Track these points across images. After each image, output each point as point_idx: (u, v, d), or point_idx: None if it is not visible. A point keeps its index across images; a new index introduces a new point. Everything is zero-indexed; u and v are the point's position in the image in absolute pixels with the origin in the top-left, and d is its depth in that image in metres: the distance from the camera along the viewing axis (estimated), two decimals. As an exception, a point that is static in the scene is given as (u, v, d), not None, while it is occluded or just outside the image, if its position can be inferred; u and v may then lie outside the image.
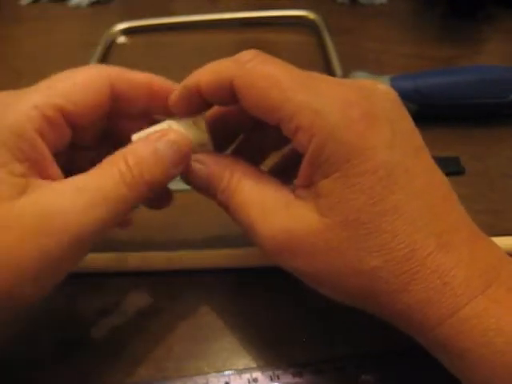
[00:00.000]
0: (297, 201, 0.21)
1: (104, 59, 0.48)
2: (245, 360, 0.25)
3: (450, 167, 0.35)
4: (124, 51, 0.50)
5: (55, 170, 0.22)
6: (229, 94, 0.22)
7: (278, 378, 0.24)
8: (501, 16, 0.52)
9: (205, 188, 0.24)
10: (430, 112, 0.37)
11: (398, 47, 0.47)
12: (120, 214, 0.21)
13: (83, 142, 0.24)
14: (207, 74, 0.22)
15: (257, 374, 0.24)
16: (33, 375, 0.25)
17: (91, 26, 0.53)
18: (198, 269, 0.29)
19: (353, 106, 0.20)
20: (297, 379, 0.24)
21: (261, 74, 0.21)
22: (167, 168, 0.22)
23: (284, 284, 0.29)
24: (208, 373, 0.25)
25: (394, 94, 0.22)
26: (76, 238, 0.20)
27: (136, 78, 0.24)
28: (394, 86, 0.37)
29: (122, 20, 0.52)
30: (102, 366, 0.25)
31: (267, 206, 0.22)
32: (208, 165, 0.23)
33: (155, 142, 0.22)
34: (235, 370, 0.25)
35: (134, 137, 0.23)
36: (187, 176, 0.24)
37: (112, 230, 0.22)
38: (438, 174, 0.21)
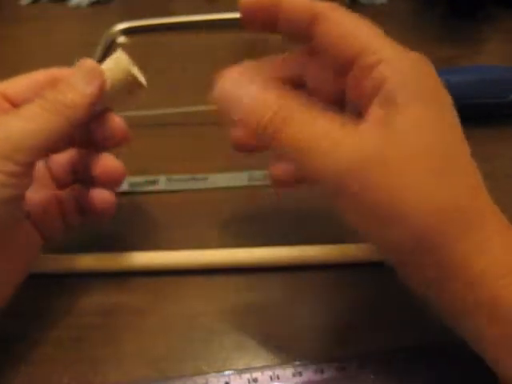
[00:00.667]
0: (367, 131, 0.20)
1: (104, 59, 0.47)
2: (245, 360, 0.25)
3: (450, 167, 0.35)
4: (124, 51, 0.50)
5: None
6: (304, 26, 0.23)
7: (278, 378, 0.24)
8: (501, 16, 0.52)
9: (244, 118, 0.21)
10: (430, 112, 0.37)
11: (398, 47, 0.47)
12: (43, 131, 0.23)
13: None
14: None
15: (257, 374, 0.24)
16: (32, 375, 0.25)
17: (91, 26, 0.53)
18: (197, 268, 0.29)
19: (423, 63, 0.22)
20: (297, 379, 0.24)
21: (352, 15, 0.22)
22: (80, 88, 0.24)
23: (284, 284, 0.29)
24: (208, 373, 0.25)
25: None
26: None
27: None
28: (394, 86, 0.38)
29: (122, 20, 0.52)
30: (101, 366, 0.25)
31: (333, 136, 0.20)
32: (251, 91, 0.21)
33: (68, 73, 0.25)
34: (235, 369, 0.25)
35: None
36: (221, 91, 0.22)
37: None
38: None
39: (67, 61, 0.50)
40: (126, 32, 0.52)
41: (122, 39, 0.51)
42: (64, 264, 0.29)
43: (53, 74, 0.26)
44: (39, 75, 0.27)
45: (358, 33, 0.22)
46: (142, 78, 0.26)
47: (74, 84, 0.24)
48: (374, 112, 0.21)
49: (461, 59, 0.46)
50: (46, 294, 0.28)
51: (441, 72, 0.39)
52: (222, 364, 0.25)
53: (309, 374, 0.24)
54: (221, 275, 0.29)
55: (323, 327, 0.27)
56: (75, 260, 0.29)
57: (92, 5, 0.57)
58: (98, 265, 0.29)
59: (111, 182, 0.27)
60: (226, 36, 0.52)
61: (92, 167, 0.27)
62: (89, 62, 0.25)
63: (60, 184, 0.28)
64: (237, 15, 0.53)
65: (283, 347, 0.26)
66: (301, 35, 0.23)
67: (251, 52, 0.53)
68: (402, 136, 0.20)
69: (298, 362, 0.25)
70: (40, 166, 0.28)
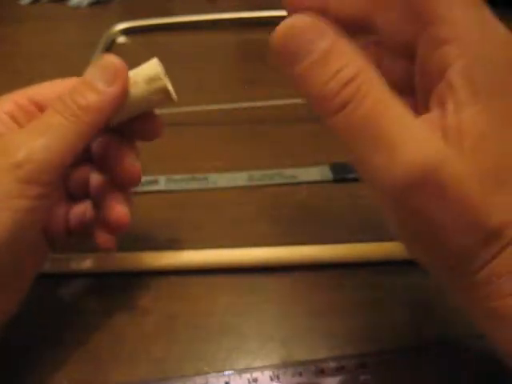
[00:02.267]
0: (437, 135, 0.17)
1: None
2: (245, 360, 0.25)
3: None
4: (124, 51, 0.50)
5: None
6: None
7: (278, 378, 0.24)
8: (501, 16, 0.52)
9: (309, 63, 0.17)
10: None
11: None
12: (64, 143, 0.21)
13: None
14: None
15: (257, 374, 0.24)
16: (31, 375, 0.25)
17: (91, 26, 0.53)
18: (197, 268, 0.29)
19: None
20: (297, 379, 0.24)
21: None
22: (100, 87, 0.22)
23: (284, 284, 0.29)
24: (208, 373, 0.25)
25: None
26: (13, 163, 0.20)
27: None
28: (393, 86, 0.38)
29: (121, 20, 0.52)
30: (101, 366, 0.25)
31: (410, 128, 0.17)
32: (332, 36, 0.17)
33: (86, 73, 0.22)
34: (235, 370, 0.25)
35: None
36: (286, 30, 0.17)
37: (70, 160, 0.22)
38: None
39: (67, 61, 0.50)
40: (126, 32, 0.52)
41: (121, 39, 0.51)
42: (64, 264, 0.29)
43: None
44: (71, 82, 0.24)
45: None
46: (173, 92, 0.23)
47: (92, 83, 0.22)
48: (433, 108, 0.17)
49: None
50: (46, 294, 0.28)
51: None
52: (222, 364, 0.25)
53: (309, 374, 0.24)
54: (221, 275, 0.29)
55: (323, 327, 0.27)
56: (75, 260, 0.29)
57: (92, 5, 0.57)
58: (98, 265, 0.29)
59: (115, 229, 0.26)
60: (225, 36, 0.52)
61: (104, 206, 0.25)
62: (111, 58, 0.22)
63: (72, 197, 0.27)
64: (236, 15, 0.53)
65: (283, 347, 0.26)
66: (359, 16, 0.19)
67: (251, 52, 0.53)
68: (475, 147, 0.16)
69: (298, 362, 0.25)
70: None
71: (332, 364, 0.24)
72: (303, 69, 0.17)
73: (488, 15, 0.18)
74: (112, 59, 0.22)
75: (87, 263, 0.29)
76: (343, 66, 0.16)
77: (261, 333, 0.26)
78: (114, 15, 0.55)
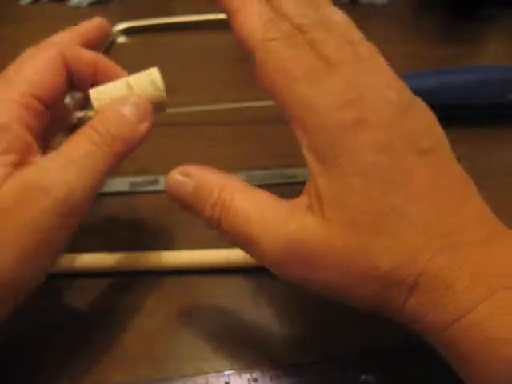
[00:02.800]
0: (300, 209, 0.21)
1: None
2: (245, 360, 0.25)
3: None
4: (124, 51, 0.50)
5: (39, 157, 0.23)
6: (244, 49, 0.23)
7: (278, 378, 0.24)
8: (501, 16, 0.52)
9: (190, 203, 0.23)
10: (429, 112, 0.37)
11: (397, 47, 0.47)
12: (97, 173, 0.22)
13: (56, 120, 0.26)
14: (241, 19, 0.25)
15: (257, 374, 0.24)
16: (32, 375, 0.25)
17: (91, 26, 0.53)
18: (198, 268, 0.29)
19: (348, 109, 0.20)
20: (297, 379, 0.24)
21: (275, 56, 0.22)
22: (135, 122, 0.23)
23: (284, 283, 0.29)
24: (208, 373, 0.25)
25: (402, 95, 0.22)
26: (55, 201, 0.21)
27: (85, 56, 0.25)
28: (393, 86, 0.38)
29: (121, 20, 0.52)
30: (101, 366, 0.25)
31: (269, 217, 0.21)
32: (195, 176, 0.23)
33: (118, 105, 0.23)
34: (235, 369, 0.25)
35: (92, 92, 0.24)
36: (169, 189, 0.23)
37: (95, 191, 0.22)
38: (449, 174, 0.20)
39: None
40: (126, 32, 0.52)
41: (121, 39, 0.51)
42: (64, 264, 0.29)
43: (63, 48, 0.25)
44: (50, 53, 0.24)
45: (276, 80, 0.21)
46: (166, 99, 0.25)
47: (126, 117, 0.23)
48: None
49: (461, 59, 0.46)
50: (46, 293, 0.28)
51: (440, 72, 0.39)
52: (222, 364, 0.25)
53: (309, 375, 0.24)
54: (221, 275, 0.29)
55: (323, 327, 0.27)
56: (75, 260, 0.29)
57: (92, 5, 0.57)
58: (98, 265, 0.29)
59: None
60: (225, 36, 0.52)
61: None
62: (143, 99, 0.24)
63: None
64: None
65: (284, 347, 0.26)
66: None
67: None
68: (330, 209, 0.20)
69: (298, 363, 0.25)
70: None
71: (332, 364, 0.24)
72: (188, 209, 0.23)
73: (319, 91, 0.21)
74: (143, 99, 0.24)
75: (87, 263, 0.29)
76: (208, 195, 0.22)
77: (261, 333, 0.26)
78: (114, 15, 0.55)
